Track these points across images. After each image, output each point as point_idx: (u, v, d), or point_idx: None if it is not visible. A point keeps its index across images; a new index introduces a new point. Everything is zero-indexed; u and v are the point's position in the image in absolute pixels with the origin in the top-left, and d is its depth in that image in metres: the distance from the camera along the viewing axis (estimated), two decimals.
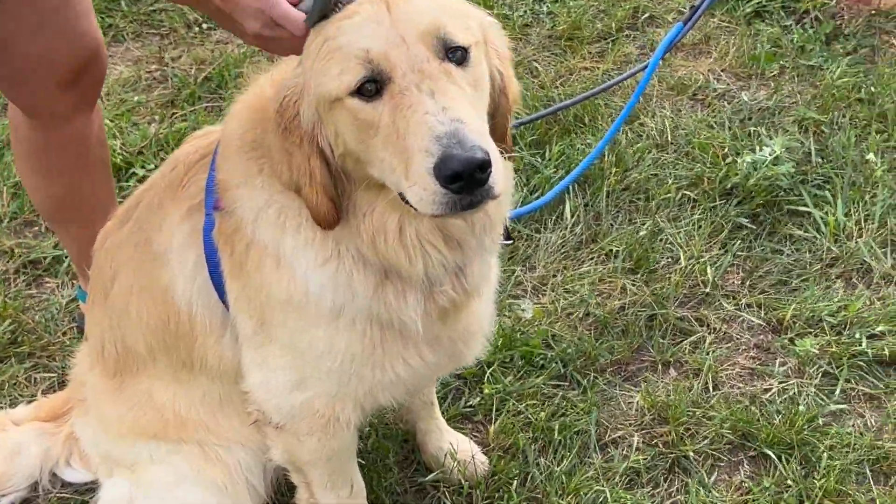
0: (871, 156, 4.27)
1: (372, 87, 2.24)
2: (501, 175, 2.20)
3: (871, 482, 3.40)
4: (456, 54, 2.28)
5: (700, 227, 4.15)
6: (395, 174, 2.25)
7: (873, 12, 5.09)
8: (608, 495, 3.36)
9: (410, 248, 2.47)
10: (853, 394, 3.65)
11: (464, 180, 2.12)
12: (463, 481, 3.40)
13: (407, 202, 2.27)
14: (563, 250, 4.12)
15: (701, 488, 3.39)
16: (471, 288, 2.65)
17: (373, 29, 2.25)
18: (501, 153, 2.30)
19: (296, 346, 2.68)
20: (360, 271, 2.54)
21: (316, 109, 2.36)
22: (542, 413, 3.56)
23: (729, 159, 4.32)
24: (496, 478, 3.41)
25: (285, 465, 2.98)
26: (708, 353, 3.76)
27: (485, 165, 2.12)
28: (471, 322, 2.82)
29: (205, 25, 5.38)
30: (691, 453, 3.48)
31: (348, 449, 2.98)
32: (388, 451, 3.47)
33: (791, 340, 3.79)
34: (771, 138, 4.40)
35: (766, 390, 3.68)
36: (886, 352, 3.69)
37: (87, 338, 3.17)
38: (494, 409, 3.62)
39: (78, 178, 3.59)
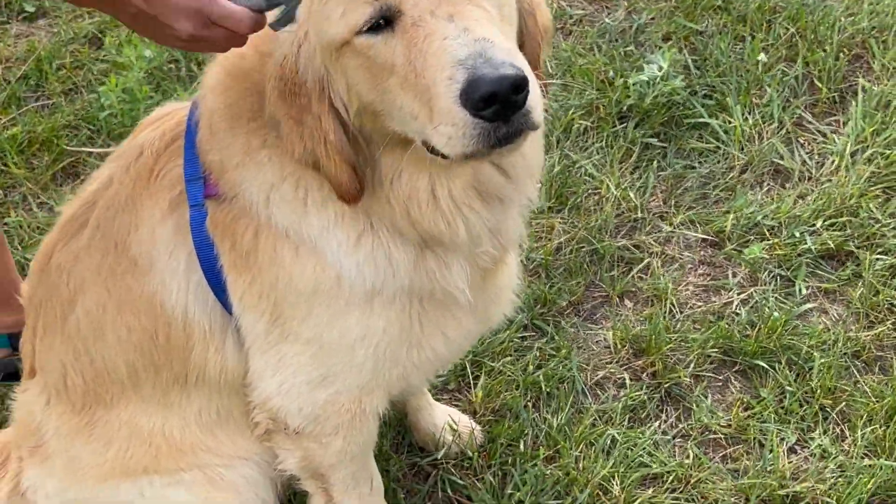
0: (761, 56, 4.26)
1: (382, 21, 1.97)
2: (539, 101, 1.94)
3: (857, 374, 3.38)
4: None
5: (609, 153, 4.03)
6: (417, 121, 1.97)
7: None
8: (618, 437, 3.21)
9: (447, 212, 2.19)
10: (809, 291, 3.63)
11: (498, 103, 1.84)
12: (470, 452, 3.17)
13: (434, 152, 2.00)
14: None
15: (703, 413, 3.28)
16: (508, 242, 2.42)
17: None
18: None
19: (321, 339, 2.38)
20: (397, 244, 2.27)
21: (322, 62, 2.07)
22: (530, 366, 3.36)
23: (619, 82, 4.21)
24: (498, 443, 3.19)
25: (301, 473, 2.68)
26: (660, 278, 3.65)
27: (520, 84, 1.85)
28: (503, 279, 2.58)
29: None
30: (686, 379, 3.36)
31: (372, 442, 2.71)
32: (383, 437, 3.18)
33: (737, 251, 3.73)
34: (652, 53, 4.32)
35: (727, 304, 3.62)
36: (831, 244, 3.70)
37: (38, 372, 2.71)
38: (471, 375, 3.39)
39: None
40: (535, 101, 1.90)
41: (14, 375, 3.43)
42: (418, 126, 1.97)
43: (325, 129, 2.09)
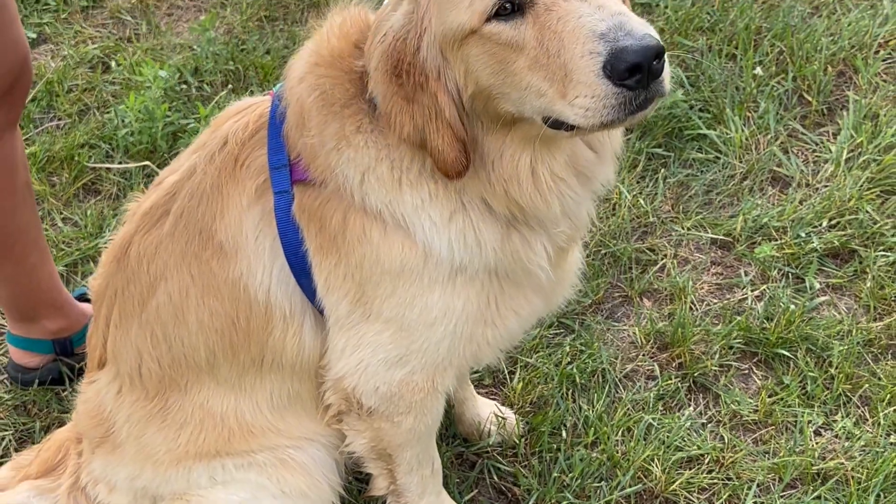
0: (757, 69, 4.48)
1: (509, 6, 2.06)
2: (668, 70, 2.06)
3: (872, 362, 3.55)
4: None
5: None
6: (542, 98, 2.08)
7: None
8: (653, 423, 3.34)
9: (546, 189, 2.29)
10: (818, 288, 3.80)
11: (642, 72, 1.95)
12: (515, 439, 3.28)
13: (558, 127, 2.12)
14: None
15: (731, 400, 3.43)
16: (581, 224, 2.52)
17: None
18: None
19: (402, 318, 2.47)
20: (486, 223, 2.37)
21: (440, 50, 2.16)
22: (564, 359, 3.49)
23: None
24: (540, 430, 3.30)
25: (368, 453, 2.77)
26: (676, 278, 3.80)
27: (660, 53, 1.96)
28: (571, 261, 2.71)
29: None
30: (712, 369, 3.51)
31: (437, 422, 2.81)
32: None
33: (749, 249, 3.90)
34: None
35: (742, 300, 3.78)
36: (836, 243, 3.88)
37: (110, 361, 2.77)
38: (506, 370, 3.50)
39: (10, 205, 3.14)
40: (667, 70, 2.03)
41: (58, 380, 3.47)
42: (544, 103, 2.08)
43: (441, 106, 2.17)
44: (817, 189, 4.14)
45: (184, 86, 4.53)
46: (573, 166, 2.33)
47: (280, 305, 2.53)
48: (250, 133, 2.51)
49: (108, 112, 4.40)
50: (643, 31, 1.96)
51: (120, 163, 4.16)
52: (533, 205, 2.30)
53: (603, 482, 3.21)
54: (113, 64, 4.70)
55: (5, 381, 3.53)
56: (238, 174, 2.49)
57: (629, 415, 3.39)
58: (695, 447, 3.29)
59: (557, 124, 2.11)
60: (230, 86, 4.53)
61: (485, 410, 3.31)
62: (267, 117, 2.50)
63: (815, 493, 3.17)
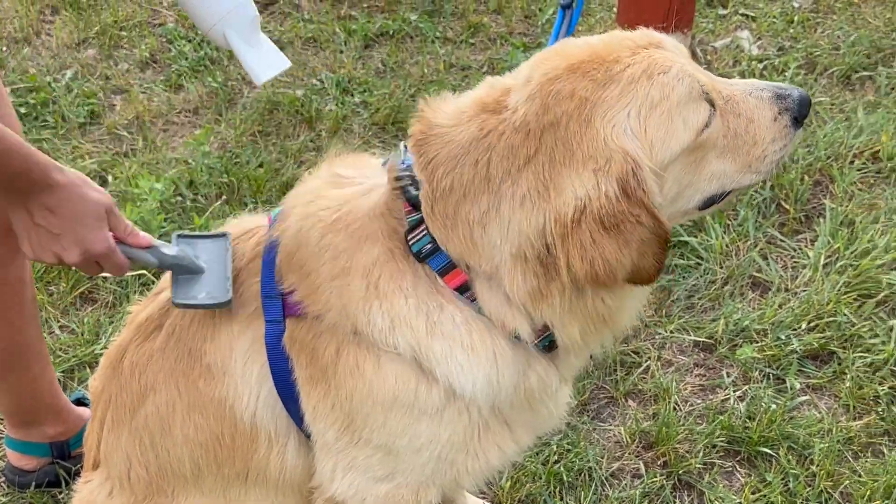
0: None
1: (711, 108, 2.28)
2: None
3: (851, 459, 3.63)
4: None
5: None
6: (720, 180, 2.32)
7: None
8: None
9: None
10: (798, 388, 3.89)
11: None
12: None
13: (708, 206, 2.39)
14: None
15: (715, 496, 3.49)
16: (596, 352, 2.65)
17: (691, 69, 2.26)
18: None
19: (392, 445, 2.52)
20: (510, 366, 2.43)
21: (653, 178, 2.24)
22: (552, 458, 3.56)
23: None
24: None
25: None
26: (661, 379, 3.89)
27: None
28: (563, 395, 2.78)
29: None
30: (696, 467, 3.58)
31: None
32: None
33: (731, 351, 4.00)
34: None
35: (725, 400, 3.86)
36: (816, 345, 3.99)
37: (102, 463, 2.83)
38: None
39: (19, 322, 3.22)
40: None
41: (55, 483, 3.53)
42: (720, 183, 2.34)
43: (665, 226, 2.21)
44: (796, 293, 4.25)
45: (179, 197, 4.67)
46: None
47: (265, 428, 2.60)
48: (247, 261, 2.57)
49: None
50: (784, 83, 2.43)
51: None
52: (623, 324, 2.48)
53: None
54: (110, 178, 4.84)
55: (2, 483, 3.58)
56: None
57: None
58: None
59: (708, 203, 2.38)
60: (224, 197, 4.67)
61: None
62: (263, 245, 2.56)
63: None
